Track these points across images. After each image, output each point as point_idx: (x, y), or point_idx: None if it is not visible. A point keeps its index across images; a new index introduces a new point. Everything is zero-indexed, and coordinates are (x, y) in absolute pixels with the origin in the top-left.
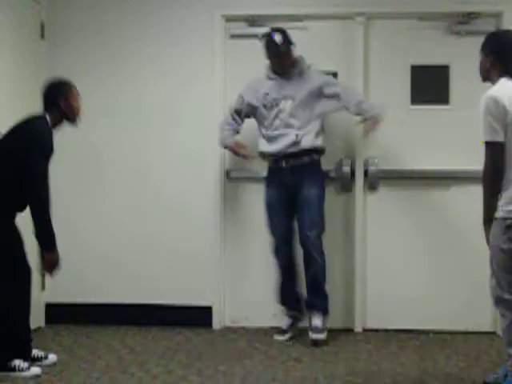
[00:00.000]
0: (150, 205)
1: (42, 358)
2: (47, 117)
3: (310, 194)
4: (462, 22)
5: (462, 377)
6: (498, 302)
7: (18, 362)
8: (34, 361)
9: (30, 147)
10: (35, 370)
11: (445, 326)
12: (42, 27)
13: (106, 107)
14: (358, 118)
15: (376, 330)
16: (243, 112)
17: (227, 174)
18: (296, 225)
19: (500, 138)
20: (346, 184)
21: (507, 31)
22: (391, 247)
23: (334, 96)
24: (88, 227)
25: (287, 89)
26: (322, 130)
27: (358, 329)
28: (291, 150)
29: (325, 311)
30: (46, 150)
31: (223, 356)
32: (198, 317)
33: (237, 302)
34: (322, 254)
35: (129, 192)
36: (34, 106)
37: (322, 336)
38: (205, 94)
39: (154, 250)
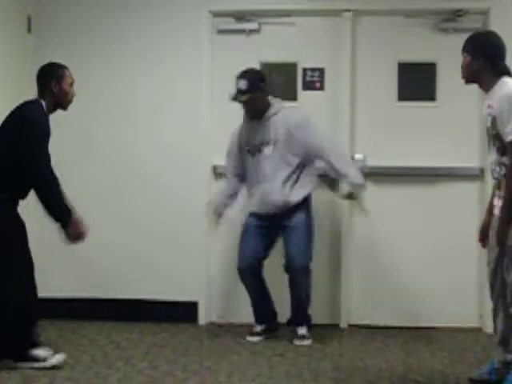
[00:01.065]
0: (135, 200)
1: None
2: (42, 101)
3: (298, 222)
4: (449, 19)
5: (446, 373)
6: None
7: (38, 352)
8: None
9: (24, 133)
10: (59, 357)
11: (430, 323)
12: (29, 21)
13: (92, 101)
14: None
15: (361, 326)
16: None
17: (214, 169)
18: (269, 252)
19: None
20: (332, 181)
21: (489, 31)
22: (377, 244)
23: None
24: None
25: (263, 134)
26: (308, 173)
27: (343, 324)
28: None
29: (309, 325)
30: (42, 134)
31: (209, 351)
32: (183, 312)
33: (223, 298)
34: (308, 282)
35: (115, 186)
36: (20, 99)
37: (307, 342)
38: (192, 89)
39: (139, 246)
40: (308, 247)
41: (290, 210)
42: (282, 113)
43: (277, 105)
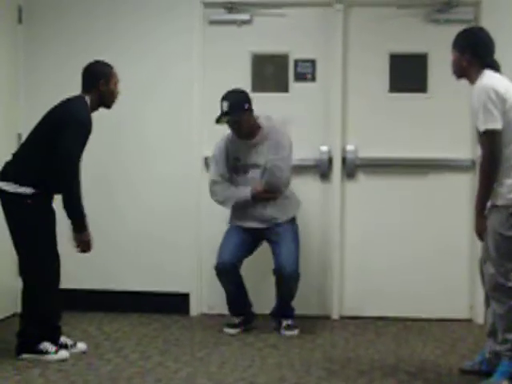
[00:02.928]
0: (126, 192)
1: (70, 345)
2: (86, 98)
3: (285, 229)
4: (440, 10)
5: (438, 364)
6: (497, 288)
7: (47, 345)
8: (61, 348)
9: (65, 130)
10: (63, 353)
11: (421, 314)
12: (20, 12)
13: None
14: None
15: (353, 318)
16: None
17: (205, 160)
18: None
19: (499, 126)
20: (324, 172)
21: (477, 27)
22: (369, 235)
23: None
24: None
25: (256, 157)
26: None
27: (334, 316)
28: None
29: (294, 316)
30: (82, 133)
31: (200, 342)
32: (175, 304)
33: (214, 289)
34: (297, 280)
35: (104, 177)
36: (11, 90)
37: (296, 332)
38: (183, 79)
39: (132, 238)
40: (297, 253)
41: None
42: (274, 138)
43: (266, 125)
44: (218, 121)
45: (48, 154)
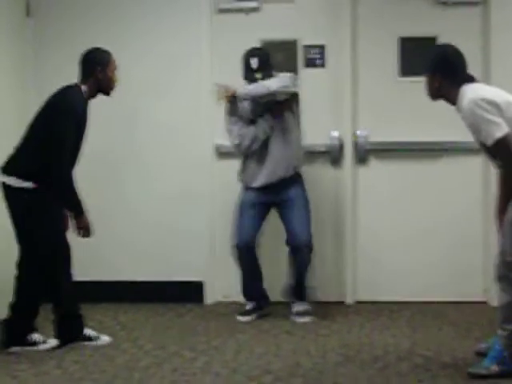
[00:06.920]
0: (138, 181)
1: (93, 338)
2: (83, 86)
3: (296, 197)
4: None
5: (453, 347)
6: (501, 278)
7: (36, 336)
8: (85, 340)
9: (58, 118)
10: (52, 341)
11: (436, 297)
12: (28, 5)
13: None
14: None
15: (367, 302)
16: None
17: (217, 149)
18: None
19: (506, 129)
20: (335, 157)
21: (444, 45)
22: (382, 220)
23: None
24: None
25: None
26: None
27: (349, 301)
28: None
29: (306, 299)
30: (76, 121)
31: (216, 331)
32: (189, 292)
33: (228, 277)
34: (311, 258)
35: (115, 168)
36: (20, 83)
37: (307, 319)
38: (193, 68)
39: (144, 227)
40: (309, 223)
41: (287, 183)
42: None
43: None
44: (249, 78)
45: (45, 144)
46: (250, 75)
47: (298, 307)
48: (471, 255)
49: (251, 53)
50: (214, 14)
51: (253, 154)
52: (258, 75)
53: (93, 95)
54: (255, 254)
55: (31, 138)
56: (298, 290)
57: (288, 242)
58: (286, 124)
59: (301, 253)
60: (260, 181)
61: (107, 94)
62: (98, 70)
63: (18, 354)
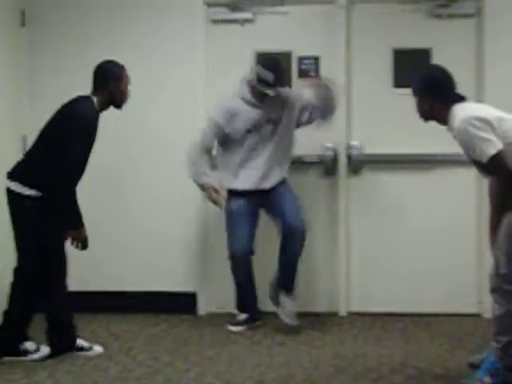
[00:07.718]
0: (130, 190)
1: (86, 348)
2: (94, 98)
3: (285, 188)
4: (443, 5)
5: (446, 358)
6: (495, 290)
7: (27, 345)
8: (77, 351)
9: (68, 126)
10: (45, 349)
11: (429, 309)
12: (23, 15)
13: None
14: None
15: (360, 314)
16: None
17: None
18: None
19: (500, 146)
20: (329, 168)
21: (431, 66)
22: (375, 231)
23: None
24: None
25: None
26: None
27: (342, 313)
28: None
29: (293, 291)
30: (85, 131)
31: (209, 342)
32: (182, 303)
33: (221, 288)
34: (306, 234)
35: (109, 174)
36: (15, 92)
37: (295, 322)
38: (187, 78)
39: (137, 237)
40: (302, 212)
41: (275, 187)
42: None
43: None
44: (263, 92)
45: (53, 154)
46: (260, 87)
47: (288, 306)
48: (465, 267)
49: (268, 65)
50: (209, 25)
51: (239, 150)
52: (270, 92)
53: (104, 107)
54: (251, 265)
55: (39, 145)
56: (288, 280)
57: (282, 228)
58: (285, 130)
59: (295, 238)
60: (248, 184)
61: (119, 107)
62: (110, 83)
63: (10, 363)
